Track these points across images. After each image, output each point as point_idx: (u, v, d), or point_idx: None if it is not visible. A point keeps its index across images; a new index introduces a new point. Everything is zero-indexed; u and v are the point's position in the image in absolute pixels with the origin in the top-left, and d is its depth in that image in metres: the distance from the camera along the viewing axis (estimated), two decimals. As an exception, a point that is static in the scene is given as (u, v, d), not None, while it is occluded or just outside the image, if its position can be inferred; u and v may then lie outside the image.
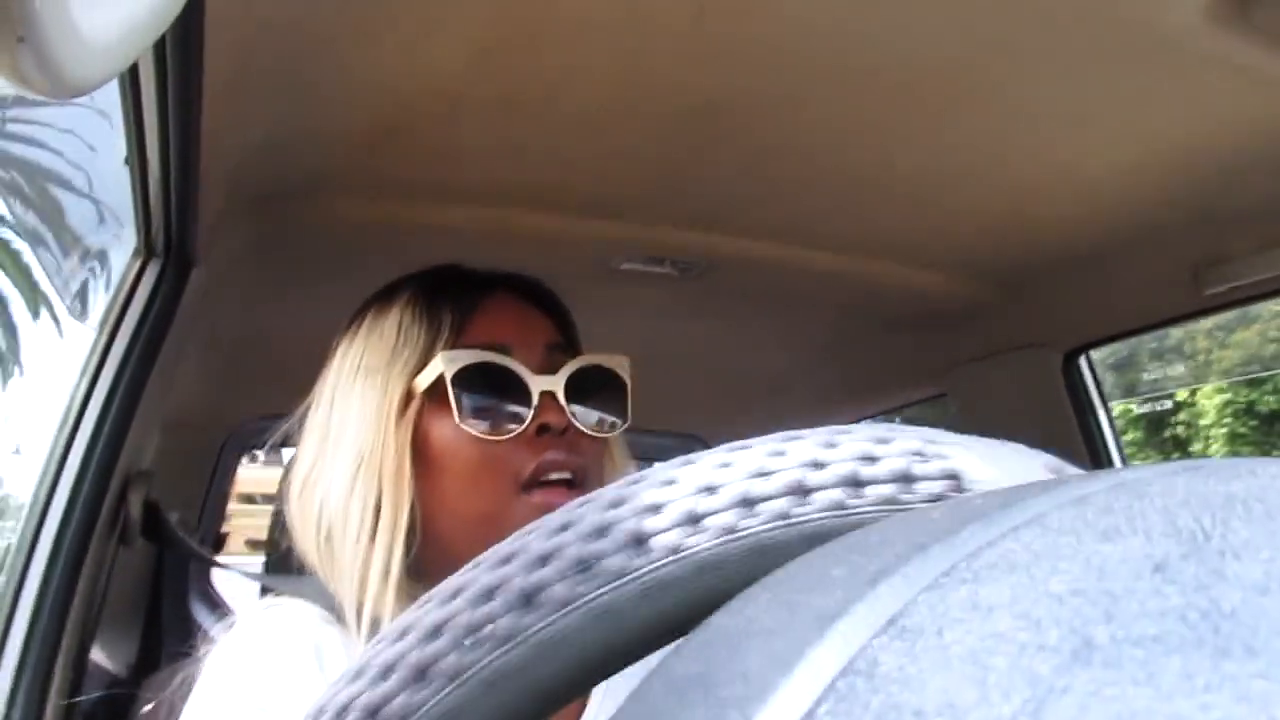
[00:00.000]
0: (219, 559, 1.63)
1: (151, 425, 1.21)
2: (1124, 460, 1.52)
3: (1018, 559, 0.16)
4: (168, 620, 1.68)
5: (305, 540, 0.75)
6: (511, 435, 0.74)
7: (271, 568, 1.41)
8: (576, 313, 0.88)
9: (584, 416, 0.78)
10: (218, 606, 1.92)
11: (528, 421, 0.75)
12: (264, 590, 1.09)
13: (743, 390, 1.96)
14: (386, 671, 0.24)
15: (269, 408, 1.87)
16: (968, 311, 1.52)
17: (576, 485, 0.75)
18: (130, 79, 0.79)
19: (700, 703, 0.16)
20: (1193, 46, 0.84)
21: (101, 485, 1.07)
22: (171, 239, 1.10)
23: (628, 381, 0.82)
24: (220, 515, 1.98)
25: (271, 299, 1.44)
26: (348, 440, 0.75)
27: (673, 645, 0.21)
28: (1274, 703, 0.11)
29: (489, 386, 0.75)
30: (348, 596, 0.71)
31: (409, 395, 0.76)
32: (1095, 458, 1.48)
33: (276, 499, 1.54)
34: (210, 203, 1.04)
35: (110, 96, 0.84)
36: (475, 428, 0.74)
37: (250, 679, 0.69)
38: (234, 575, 2.01)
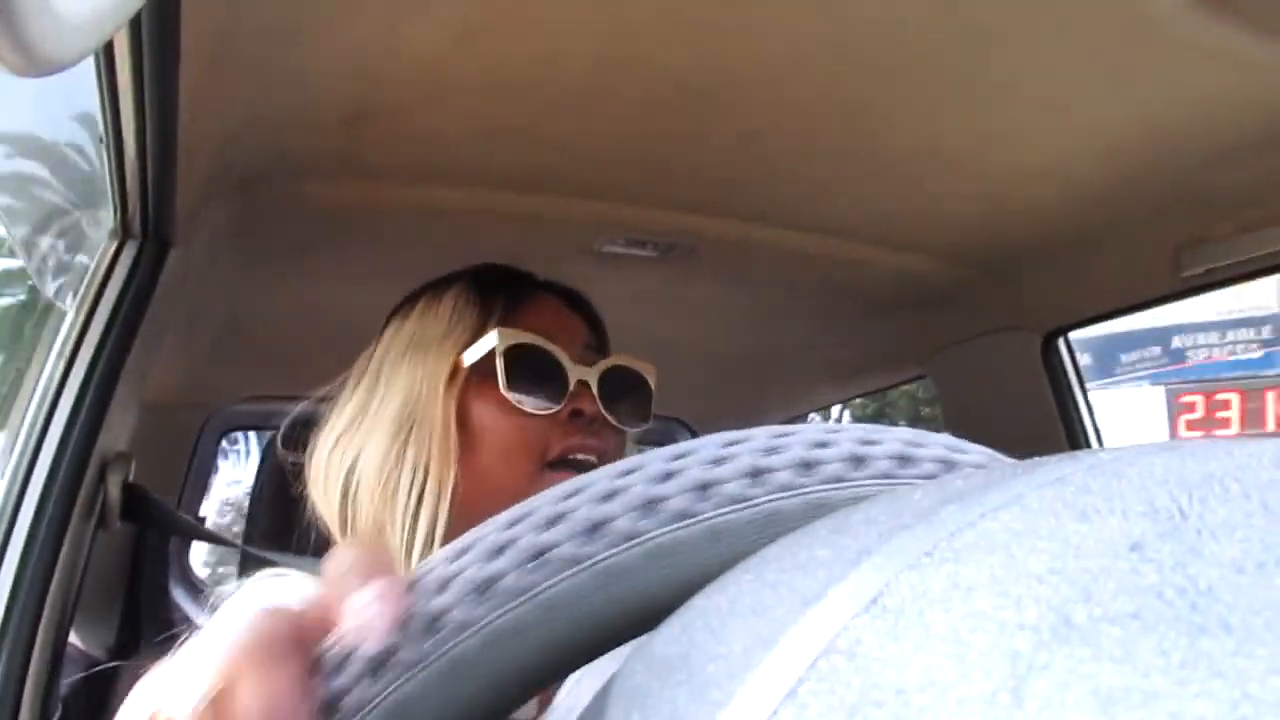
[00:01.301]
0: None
1: (129, 407, 1.20)
2: (1100, 441, 1.54)
3: (997, 539, 0.16)
4: (146, 603, 1.67)
5: (326, 502, 0.80)
6: (548, 413, 0.80)
7: (252, 542, 1.40)
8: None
9: (612, 410, 0.85)
10: (196, 588, 1.92)
11: (564, 403, 0.81)
12: (242, 566, 1.09)
13: (725, 373, 1.96)
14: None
15: (249, 390, 1.88)
16: (948, 294, 1.53)
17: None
18: (106, 56, 0.78)
19: (683, 682, 0.16)
20: (1175, 30, 0.85)
21: (79, 468, 1.07)
22: (149, 220, 1.08)
23: (653, 386, 0.90)
24: (200, 498, 1.97)
25: (251, 281, 1.42)
26: (393, 406, 0.80)
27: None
28: (1250, 679, 0.11)
29: (532, 367, 0.82)
30: (392, 545, 0.75)
31: (455, 369, 0.81)
32: (1073, 439, 1.49)
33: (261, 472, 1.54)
34: (189, 183, 1.03)
35: (86, 74, 0.83)
36: (517, 399, 0.80)
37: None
38: (214, 556, 2.00)
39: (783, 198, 1.24)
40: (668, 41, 0.89)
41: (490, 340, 0.81)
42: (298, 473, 0.83)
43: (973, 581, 0.15)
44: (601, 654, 0.24)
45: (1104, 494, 0.16)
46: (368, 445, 0.79)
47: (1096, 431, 1.51)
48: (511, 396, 0.80)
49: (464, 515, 0.78)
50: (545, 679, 0.24)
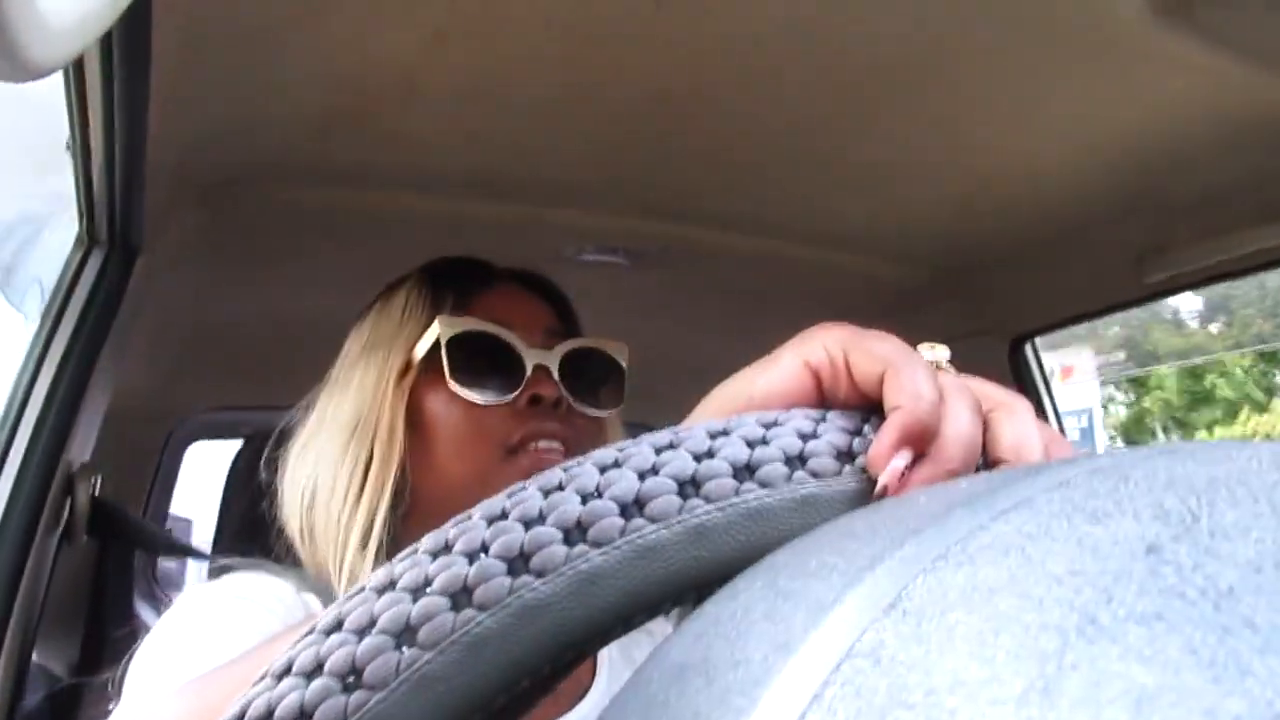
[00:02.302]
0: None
1: (96, 417, 1.18)
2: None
3: (1011, 541, 0.16)
4: (111, 618, 1.64)
5: (290, 507, 0.77)
6: (502, 402, 0.77)
7: (220, 552, 1.38)
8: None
9: (579, 395, 0.80)
10: (162, 604, 1.88)
11: (519, 390, 0.77)
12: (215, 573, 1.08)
13: (697, 379, 1.96)
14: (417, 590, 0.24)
15: (217, 399, 1.86)
16: (915, 299, 1.54)
17: (569, 457, 0.75)
18: (75, 63, 0.77)
19: (702, 689, 0.16)
20: (1138, 41, 0.86)
21: (45, 480, 1.05)
22: (116, 226, 1.07)
23: (624, 367, 0.84)
24: (166, 510, 1.94)
25: (219, 288, 1.41)
26: (346, 409, 0.78)
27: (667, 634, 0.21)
28: None
29: (484, 355, 0.78)
30: (331, 554, 0.73)
31: (408, 366, 0.78)
32: (1041, 444, 1.51)
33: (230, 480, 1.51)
34: (156, 189, 1.02)
35: (52, 79, 0.82)
36: (466, 391, 0.76)
37: (206, 623, 0.68)
38: (180, 570, 1.97)
39: (752, 205, 1.25)
40: (640, 51, 0.89)
41: (435, 330, 0.78)
42: (273, 494, 0.80)
43: (992, 583, 0.15)
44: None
45: (1112, 497, 0.17)
46: (323, 452, 0.77)
47: (1063, 434, 1.53)
48: (458, 388, 0.76)
49: (426, 513, 0.75)
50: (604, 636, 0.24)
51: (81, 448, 1.14)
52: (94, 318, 1.08)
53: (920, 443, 0.29)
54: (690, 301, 1.60)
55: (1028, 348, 1.55)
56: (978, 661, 0.13)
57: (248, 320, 1.53)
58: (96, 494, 1.18)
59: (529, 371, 0.78)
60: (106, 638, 1.60)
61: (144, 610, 1.79)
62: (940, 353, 0.37)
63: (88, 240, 1.10)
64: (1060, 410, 1.56)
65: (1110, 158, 1.10)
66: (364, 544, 0.72)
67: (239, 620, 0.67)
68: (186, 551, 1.53)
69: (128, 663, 0.68)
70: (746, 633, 0.17)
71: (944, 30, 0.86)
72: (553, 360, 0.79)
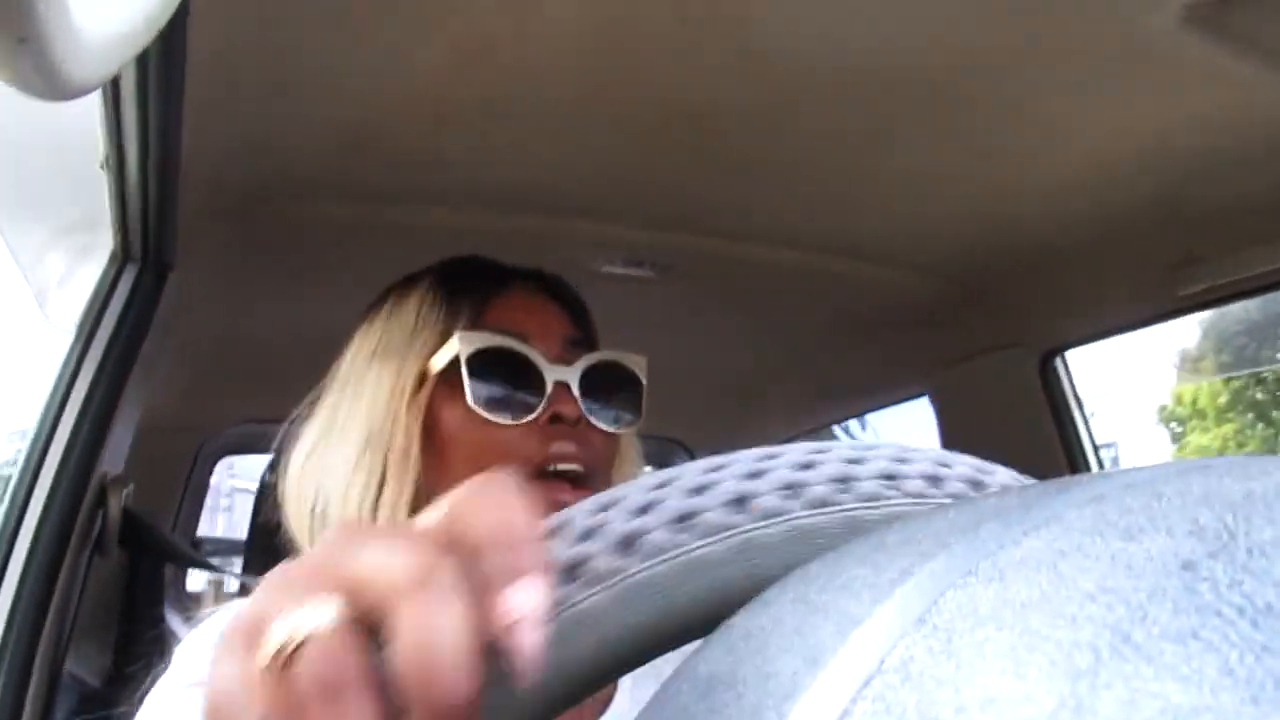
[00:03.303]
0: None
1: (128, 430, 1.20)
2: (1100, 460, 1.54)
3: (1042, 557, 0.16)
4: (142, 629, 1.65)
5: (298, 519, 0.74)
6: (523, 422, 0.74)
7: (251, 568, 1.40)
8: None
9: (597, 412, 0.77)
10: (192, 615, 1.90)
11: (540, 410, 0.74)
12: (243, 589, 1.08)
13: (723, 393, 1.96)
14: None
15: (246, 412, 1.88)
16: (945, 313, 1.53)
17: (585, 480, 0.74)
18: (111, 81, 0.78)
19: (731, 703, 0.16)
20: (1170, 52, 0.85)
21: (78, 492, 1.06)
22: (149, 242, 1.08)
23: (644, 381, 0.81)
24: (196, 522, 1.96)
25: (250, 303, 1.42)
26: (358, 420, 0.75)
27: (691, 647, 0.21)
28: None
29: (503, 371, 0.75)
30: None
31: (423, 377, 0.75)
32: (1071, 458, 1.49)
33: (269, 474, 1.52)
34: (189, 206, 1.03)
35: (89, 98, 0.83)
36: (486, 411, 0.73)
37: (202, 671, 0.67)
38: (211, 581, 1.99)
39: (781, 218, 1.25)
40: (665, 65, 0.89)
41: (454, 346, 0.74)
42: (275, 497, 0.77)
43: (1024, 599, 0.15)
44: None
45: (1145, 513, 0.17)
46: (334, 463, 0.74)
47: (1095, 450, 1.51)
48: (479, 408, 0.73)
49: None
50: (661, 645, 0.24)
51: (114, 460, 1.16)
52: (127, 332, 1.10)
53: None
54: (716, 314, 1.60)
55: (1058, 362, 1.54)
56: (1009, 678, 0.13)
57: (277, 335, 1.55)
58: (128, 506, 1.20)
59: (549, 389, 0.75)
60: (137, 646, 1.61)
61: (174, 620, 1.80)
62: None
63: (121, 256, 1.12)
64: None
65: (1142, 168, 1.09)
66: None
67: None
68: (210, 566, 1.54)
69: (143, 694, 0.68)
70: (776, 646, 0.17)
71: (972, 41, 0.86)
72: (573, 376, 0.76)
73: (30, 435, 1.07)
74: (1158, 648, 0.13)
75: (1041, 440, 1.50)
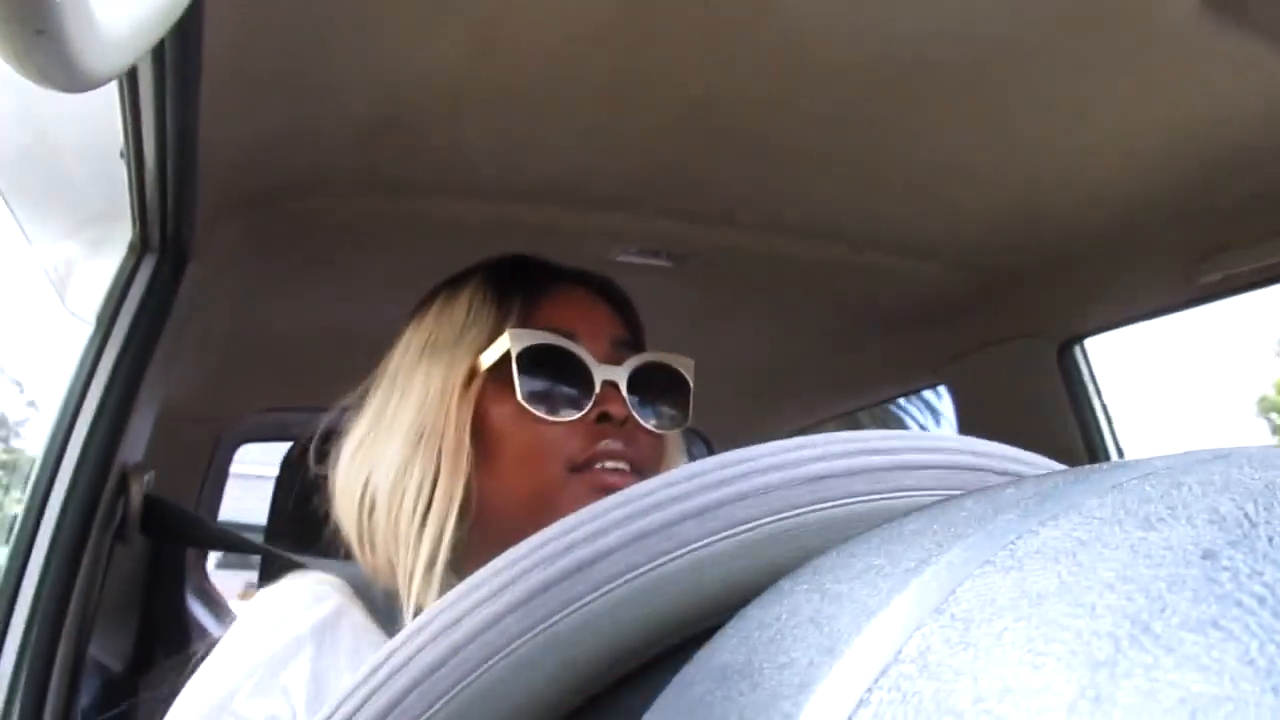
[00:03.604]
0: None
1: (148, 420, 1.21)
2: (1120, 449, 1.53)
3: (1061, 546, 0.16)
4: (164, 615, 1.67)
5: (347, 511, 0.75)
6: (571, 419, 0.74)
7: (274, 541, 1.41)
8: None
9: (645, 412, 0.77)
10: (213, 601, 1.92)
11: (588, 408, 0.75)
12: (263, 575, 1.09)
13: (740, 384, 1.96)
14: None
15: (265, 402, 1.89)
16: (963, 302, 1.52)
17: (635, 475, 0.74)
18: (128, 73, 0.79)
19: (747, 693, 0.16)
20: (1190, 39, 0.85)
21: (99, 480, 1.07)
22: (167, 233, 1.09)
23: (690, 383, 0.82)
24: (215, 510, 1.98)
25: (267, 294, 1.43)
26: (407, 414, 0.76)
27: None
28: None
29: (552, 369, 0.75)
30: (399, 571, 0.71)
31: (473, 373, 0.76)
32: (1091, 448, 1.48)
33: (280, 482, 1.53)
34: (207, 197, 1.04)
35: (108, 89, 0.84)
36: (536, 407, 0.74)
37: (239, 669, 0.68)
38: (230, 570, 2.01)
39: (798, 208, 1.25)
40: (684, 55, 0.89)
41: (505, 343, 0.75)
42: (322, 487, 0.78)
43: (1042, 589, 0.15)
44: None
45: (1165, 502, 0.16)
46: (383, 456, 0.75)
47: (1115, 440, 1.50)
48: (528, 405, 0.74)
49: (489, 526, 0.74)
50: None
51: (134, 448, 1.17)
52: (146, 322, 1.11)
53: None
54: (734, 304, 1.60)
55: (1077, 350, 1.53)
56: (1027, 669, 0.13)
57: (295, 324, 1.55)
58: (149, 493, 1.21)
59: (598, 388, 0.75)
60: (159, 632, 1.63)
61: (195, 606, 1.82)
62: None
63: (140, 247, 1.13)
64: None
65: (1162, 157, 1.08)
66: (431, 563, 0.70)
67: (271, 665, 0.67)
68: (240, 545, 1.55)
69: (181, 681, 0.69)
70: (792, 636, 0.17)
71: (992, 30, 0.85)
72: (621, 376, 0.77)
73: (51, 424, 1.09)
74: (1178, 637, 0.12)
75: (1060, 429, 1.49)
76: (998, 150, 1.08)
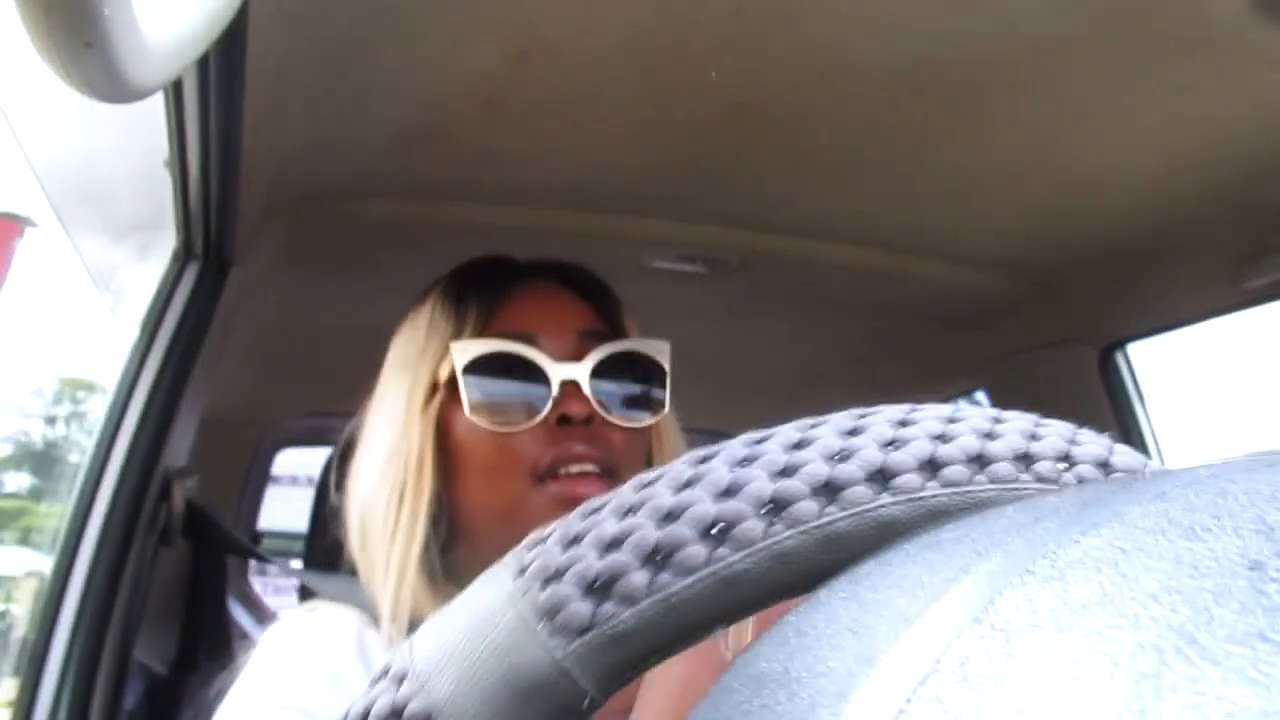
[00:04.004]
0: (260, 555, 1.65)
1: (191, 424, 1.23)
2: (1162, 456, 1.51)
3: (1103, 556, 0.16)
4: (206, 619, 1.69)
5: (348, 532, 0.75)
6: (527, 426, 0.72)
7: (311, 563, 1.42)
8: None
9: (612, 406, 0.74)
10: (255, 605, 1.94)
11: (545, 412, 0.72)
12: (303, 590, 1.10)
13: (775, 389, 1.96)
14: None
15: (306, 406, 1.91)
16: (1002, 307, 1.51)
17: (607, 476, 0.72)
18: (173, 84, 0.80)
19: (784, 701, 0.16)
20: (1235, 39, 0.83)
21: (143, 484, 1.09)
22: (210, 240, 1.11)
23: (667, 368, 0.78)
24: (256, 513, 2.00)
25: (307, 299, 1.45)
26: (381, 431, 0.75)
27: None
28: None
29: (505, 376, 0.73)
30: (377, 591, 0.70)
31: (434, 388, 0.75)
32: (1133, 455, 1.46)
33: (321, 488, 1.55)
34: (249, 204, 1.05)
35: (154, 99, 0.86)
36: (486, 420, 0.72)
37: (291, 673, 0.68)
38: (272, 574, 2.03)
39: (834, 213, 1.24)
40: (718, 61, 0.89)
41: (451, 357, 0.73)
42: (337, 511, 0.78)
43: (1084, 599, 0.14)
44: None
45: (1211, 511, 0.16)
46: (366, 469, 0.74)
47: (1159, 448, 1.48)
48: (476, 418, 0.72)
49: (471, 539, 0.73)
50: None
51: (177, 453, 1.19)
52: (189, 328, 1.13)
53: None
54: (769, 310, 1.59)
55: (1119, 356, 1.50)
56: (1069, 681, 0.13)
57: (335, 330, 1.57)
58: (191, 498, 1.23)
59: (555, 390, 0.72)
60: (201, 635, 1.65)
61: (237, 610, 1.84)
62: None
63: (184, 254, 1.15)
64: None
65: (1206, 160, 1.06)
66: (402, 576, 0.69)
67: (315, 686, 0.66)
68: (267, 559, 1.57)
69: (215, 699, 0.68)
70: (829, 644, 0.17)
71: (1032, 30, 0.84)
72: (582, 372, 0.73)
73: (97, 429, 1.11)
74: (1224, 650, 0.12)
75: (1102, 436, 1.46)
76: (1038, 152, 1.07)
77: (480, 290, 0.78)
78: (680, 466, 0.24)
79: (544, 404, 0.72)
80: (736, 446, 0.25)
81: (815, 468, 0.23)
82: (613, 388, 0.75)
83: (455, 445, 0.74)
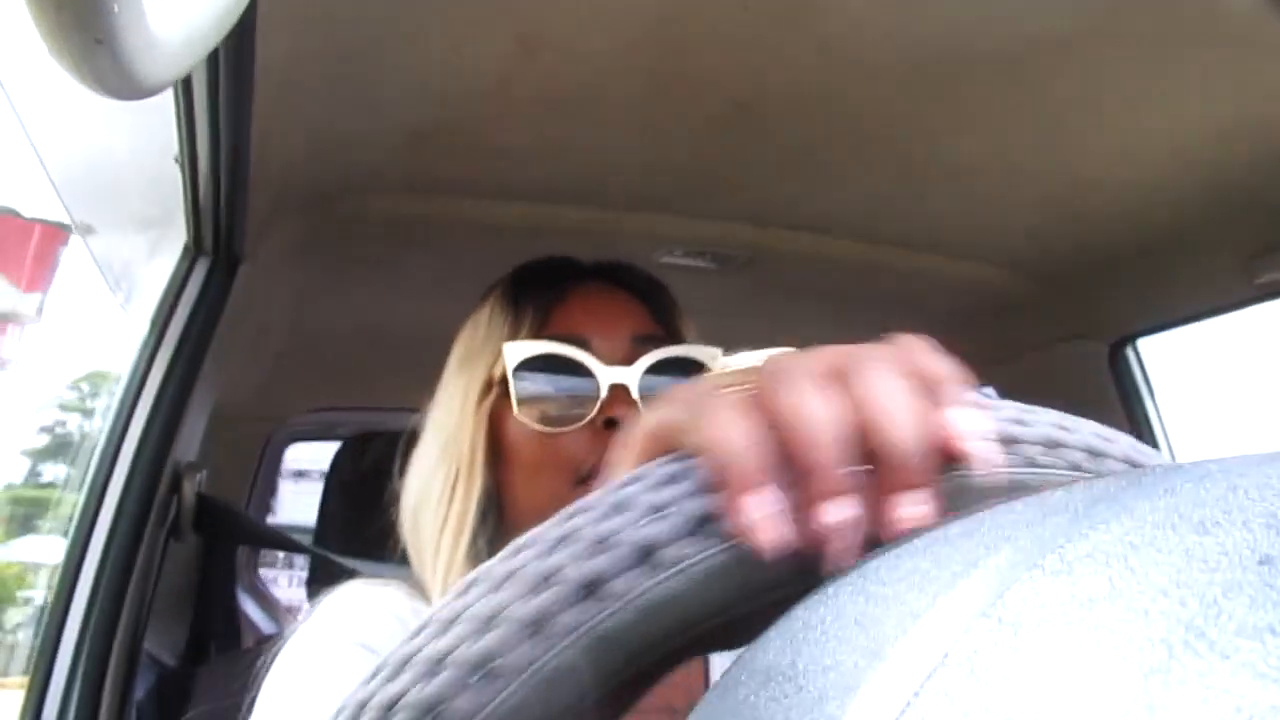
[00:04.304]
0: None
1: (201, 419, 1.23)
2: (1172, 452, 1.50)
3: (1112, 550, 0.16)
4: (216, 612, 1.70)
5: (402, 514, 0.77)
6: (573, 428, 0.73)
7: (323, 541, 1.43)
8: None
9: None
10: (264, 598, 1.95)
11: (592, 414, 0.73)
12: (310, 586, 1.10)
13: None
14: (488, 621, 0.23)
15: (315, 402, 1.91)
16: (1011, 303, 1.50)
17: None
18: (183, 80, 0.80)
19: (791, 694, 0.16)
20: (1249, 32, 0.83)
21: (153, 479, 1.10)
22: (220, 236, 1.11)
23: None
24: (266, 509, 2.01)
25: (316, 295, 1.45)
26: (437, 426, 0.77)
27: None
28: None
29: (555, 378, 0.74)
30: (427, 575, 0.73)
31: (489, 385, 0.76)
32: (1143, 451, 1.45)
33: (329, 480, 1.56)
34: (258, 200, 1.05)
35: (163, 95, 0.86)
36: (533, 419, 0.73)
37: (356, 617, 0.70)
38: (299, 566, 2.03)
39: (843, 208, 1.24)
40: (727, 55, 0.89)
41: (504, 356, 0.75)
42: (370, 487, 0.80)
43: (1092, 593, 0.14)
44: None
45: (1220, 506, 0.16)
46: (423, 465, 0.76)
47: (1169, 442, 1.47)
48: (524, 418, 0.73)
49: (513, 534, 0.73)
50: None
51: (187, 448, 1.19)
52: (199, 323, 1.13)
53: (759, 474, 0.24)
54: (778, 306, 1.59)
55: (1129, 351, 1.50)
56: (1078, 675, 0.13)
57: (344, 326, 1.57)
58: (202, 492, 1.23)
59: (604, 393, 0.73)
60: (211, 628, 1.66)
61: (246, 603, 1.85)
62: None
63: (194, 250, 1.15)
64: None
65: (1217, 154, 1.06)
66: (450, 563, 0.71)
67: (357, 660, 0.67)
68: (291, 545, 1.58)
69: (259, 678, 0.69)
70: (837, 638, 0.17)
71: (1041, 22, 0.84)
72: (632, 376, 0.74)
73: (107, 424, 1.11)
74: (1233, 644, 0.12)
75: (1112, 432, 1.46)
76: (1047, 147, 1.07)
77: (537, 292, 0.79)
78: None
79: (591, 407, 0.73)
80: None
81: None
82: (660, 393, 0.74)
83: (506, 443, 0.76)
